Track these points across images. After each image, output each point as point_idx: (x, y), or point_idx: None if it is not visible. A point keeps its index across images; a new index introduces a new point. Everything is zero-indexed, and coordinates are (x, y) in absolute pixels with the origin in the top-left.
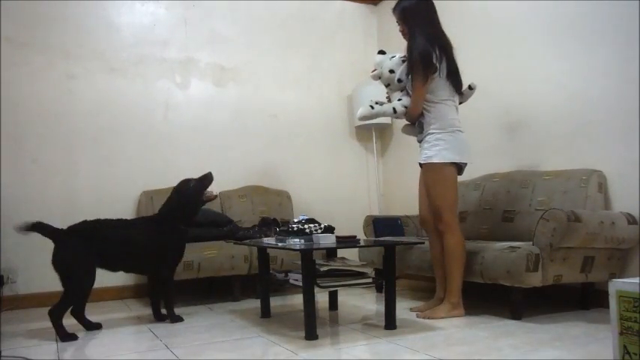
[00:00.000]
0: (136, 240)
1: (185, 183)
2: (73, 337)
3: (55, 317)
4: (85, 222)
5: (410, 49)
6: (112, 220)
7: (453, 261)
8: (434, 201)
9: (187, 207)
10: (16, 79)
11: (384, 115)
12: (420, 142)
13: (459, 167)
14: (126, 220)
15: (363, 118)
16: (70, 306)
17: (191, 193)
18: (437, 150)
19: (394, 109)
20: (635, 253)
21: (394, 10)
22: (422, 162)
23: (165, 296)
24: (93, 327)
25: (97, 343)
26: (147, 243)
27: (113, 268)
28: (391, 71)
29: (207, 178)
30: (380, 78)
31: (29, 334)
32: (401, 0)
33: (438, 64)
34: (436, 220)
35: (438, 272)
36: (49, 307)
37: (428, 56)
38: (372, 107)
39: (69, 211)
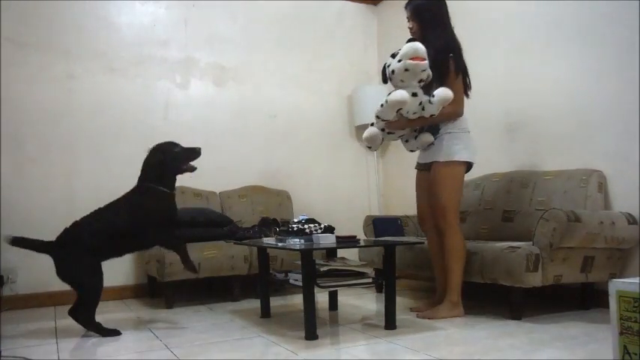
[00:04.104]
0: (122, 219)
1: (171, 145)
2: (115, 332)
3: (88, 322)
4: (74, 223)
5: (431, 48)
6: (98, 209)
7: (454, 261)
8: (439, 199)
9: (167, 168)
10: (16, 79)
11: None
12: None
13: (469, 167)
14: (110, 203)
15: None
16: (94, 306)
17: (174, 156)
18: (456, 149)
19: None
20: (635, 253)
21: (407, 5)
22: (440, 160)
23: (181, 253)
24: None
25: (97, 343)
26: (133, 216)
27: (119, 254)
28: (414, 94)
29: (194, 151)
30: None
31: (29, 334)
32: None
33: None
34: (438, 219)
35: (438, 272)
36: (48, 307)
37: (458, 54)
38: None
39: (69, 211)
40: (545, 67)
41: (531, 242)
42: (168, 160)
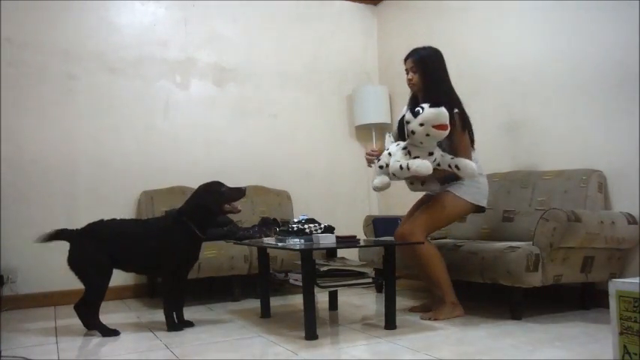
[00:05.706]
0: (141, 239)
1: (217, 185)
2: (115, 332)
3: (89, 320)
4: (100, 221)
5: (437, 102)
6: (127, 219)
7: (434, 266)
8: (429, 218)
9: (208, 209)
10: (16, 79)
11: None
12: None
13: (476, 210)
14: (139, 219)
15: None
16: (97, 303)
17: (219, 197)
18: (476, 193)
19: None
20: (635, 253)
21: (409, 57)
22: (460, 196)
23: (164, 301)
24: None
25: (98, 343)
26: (150, 242)
27: (124, 268)
28: (431, 154)
29: (240, 191)
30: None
31: (29, 334)
32: (418, 48)
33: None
34: (408, 230)
35: (425, 277)
36: (48, 307)
37: (463, 111)
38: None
39: (69, 211)
40: (545, 67)
41: (531, 242)
42: (211, 202)
